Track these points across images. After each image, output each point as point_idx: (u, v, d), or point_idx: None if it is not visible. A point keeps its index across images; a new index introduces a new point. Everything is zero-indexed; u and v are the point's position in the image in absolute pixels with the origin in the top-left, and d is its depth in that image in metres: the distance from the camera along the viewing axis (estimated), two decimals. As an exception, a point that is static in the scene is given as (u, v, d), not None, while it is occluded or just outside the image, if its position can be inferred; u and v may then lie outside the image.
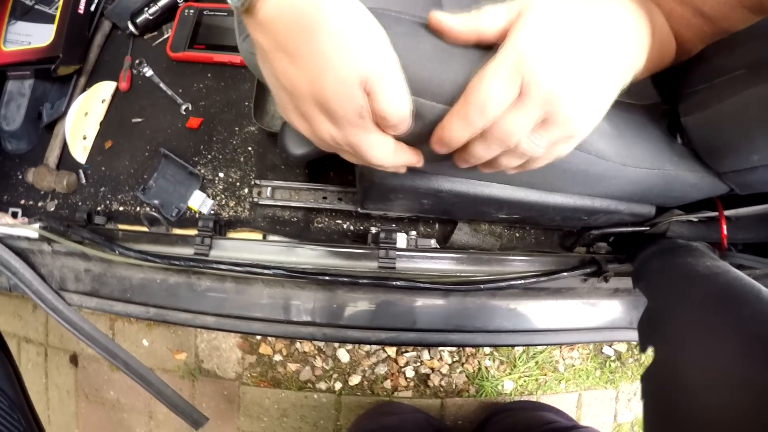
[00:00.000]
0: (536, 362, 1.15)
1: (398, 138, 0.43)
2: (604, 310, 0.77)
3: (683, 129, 0.59)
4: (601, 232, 0.75)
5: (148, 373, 0.83)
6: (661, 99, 0.64)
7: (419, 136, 0.45)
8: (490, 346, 0.80)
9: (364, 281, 0.68)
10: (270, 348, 1.14)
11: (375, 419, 1.01)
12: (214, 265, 0.71)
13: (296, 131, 0.68)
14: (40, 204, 0.94)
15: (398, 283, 0.69)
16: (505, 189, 0.60)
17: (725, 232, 0.69)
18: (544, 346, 1.13)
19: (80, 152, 0.94)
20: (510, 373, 1.15)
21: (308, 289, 0.74)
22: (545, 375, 1.16)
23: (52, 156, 0.94)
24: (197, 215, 0.88)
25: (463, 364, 1.15)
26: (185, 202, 0.88)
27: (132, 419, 1.13)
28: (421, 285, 0.70)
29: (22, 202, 0.94)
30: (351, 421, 1.11)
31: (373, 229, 0.81)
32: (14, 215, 0.87)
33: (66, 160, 0.95)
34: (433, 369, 1.15)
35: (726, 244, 0.69)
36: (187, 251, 0.75)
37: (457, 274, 0.72)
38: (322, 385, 1.14)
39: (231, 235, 0.85)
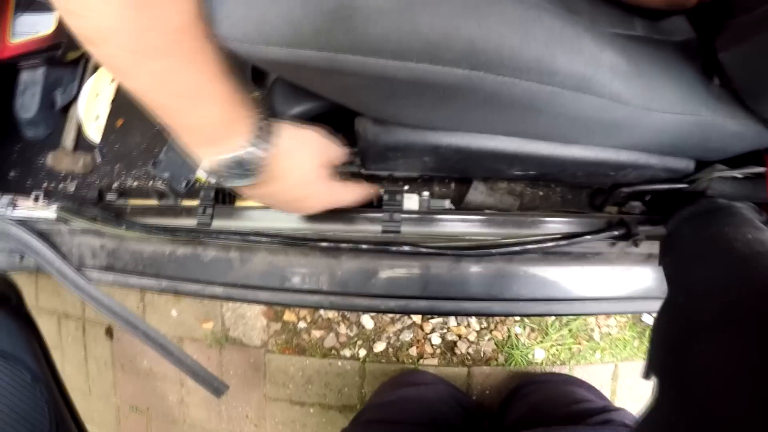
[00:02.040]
0: (570, 330, 1.09)
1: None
2: (636, 278, 0.69)
3: (721, 67, 0.50)
4: (632, 190, 0.67)
5: (168, 342, 0.84)
6: (696, 35, 0.55)
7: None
8: (506, 315, 0.75)
9: (365, 247, 0.65)
10: (294, 315, 1.13)
11: (397, 390, 0.99)
12: (214, 235, 0.69)
13: (287, 88, 0.64)
14: (60, 186, 0.96)
15: (401, 248, 0.65)
16: (512, 141, 0.54)
17: (773, 190, 0.59)
18: (572, 316, 1.06)
19: (94, 132, 0.96)
20: (541, 342, 1.09)
21: (312, 256, 0.71)
22: (579, 344, 1.09)
23: (69, 139, 0.96)
24: (205, 185, 0.86)
25: (491, 331, 1.10)
26: (194, 173, 0.86)
27: (165, 387, 1.17)
28: (426, 250, 0.65)
29: (45, 185, 0.97)
30: (374, 389, 1.10)
31: (381, 191, 0.76)
32: (36, 199, 0.89)
33: (82, 142, 0.97)
34: (460, 336, 1.11)
35: (774, 204, 0.60)
36: (192, 222, 0.74)
37: (468, 238, 0.67)
38: (347, 352, 1.13)
39: (239, 203, 0.83)
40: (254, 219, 0.72)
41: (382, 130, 0.56)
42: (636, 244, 0.63)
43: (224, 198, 0.80)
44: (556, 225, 0.67)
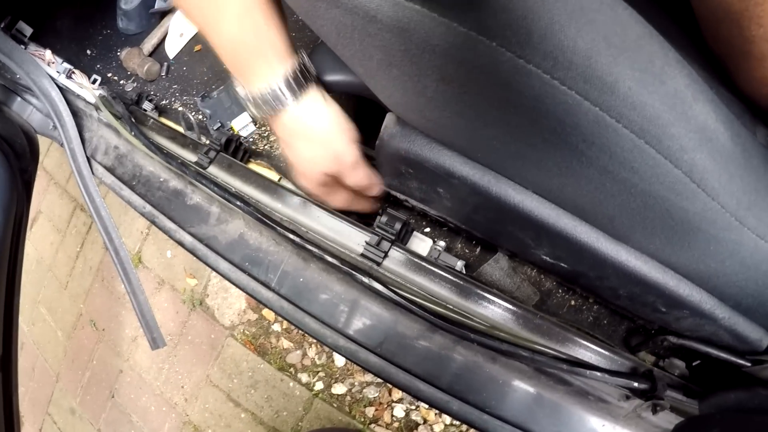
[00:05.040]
0: (549, 480, 0.88)
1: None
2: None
3: None
4: (679, 342, 0.50)
5: (132, 271, 0.78)
6: None
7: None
8: (462, 420, 0.60)
9: (331, 260, 0.54)
10: (273, 315, 1.04)
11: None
12: (200, 181, 0.63)
13: (328, 54, 0.56)
14: (122, 82, 0.96)
15: (371, 283, 0.53)
16: (542, 205, 0.41)
17: None
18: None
19: (173, 48, 0.95)
20: (512, 476, 0.89)
21: (283, 247, 0.62)
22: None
23: (149, 43, 0.96)
24: (233, 134, 0.81)
25: (462, 433, 0.93)
26: (231, 121, 0.82)
27: (127, 319, 1.13)
28: (398, 300, 0.53)
29: (109, 75, 0.97)
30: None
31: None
32: (94, 81, 0.89)
33: (159, 52, 0.97)
34: (425, 420, 0.95)
35: None
36: (192, 158, 0.69)
37: (453, 307, 0.53)
38: (304, 377, 1.01)
39: (252, 165, 0.76)
40: (248, 181, 0.64)
41: (400, 132, 0.46)
42: (655, 410, 0.46)
43: (242, 153, 0.73)
44: (567, 342, 0.51)
